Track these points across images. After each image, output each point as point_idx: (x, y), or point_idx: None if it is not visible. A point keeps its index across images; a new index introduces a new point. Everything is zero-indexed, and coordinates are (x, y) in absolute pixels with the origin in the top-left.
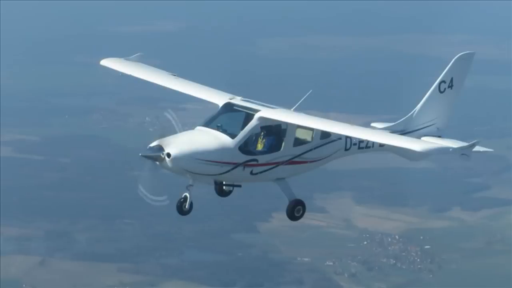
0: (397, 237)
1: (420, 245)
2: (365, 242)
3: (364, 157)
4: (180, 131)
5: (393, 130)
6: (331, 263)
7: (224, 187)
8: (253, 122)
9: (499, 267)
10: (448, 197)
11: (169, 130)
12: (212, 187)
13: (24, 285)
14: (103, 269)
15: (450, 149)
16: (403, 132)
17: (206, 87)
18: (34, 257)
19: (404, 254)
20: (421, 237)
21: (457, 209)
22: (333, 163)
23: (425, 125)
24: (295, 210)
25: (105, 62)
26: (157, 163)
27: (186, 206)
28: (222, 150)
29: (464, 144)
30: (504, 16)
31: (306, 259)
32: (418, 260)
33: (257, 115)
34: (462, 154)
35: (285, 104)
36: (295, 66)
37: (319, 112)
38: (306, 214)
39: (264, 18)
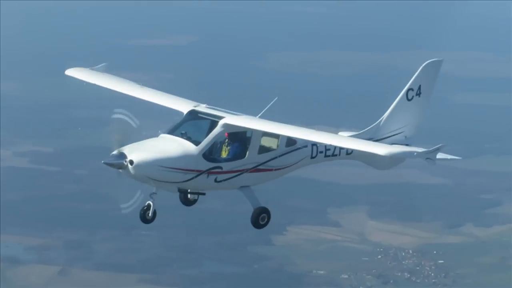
0: (411, 251)
1: (434, 260)
2: (379, 256)
3: (377, 172)
4: (137, 124)
5: (361, 138)
6: (346, 276)
7: (189, 196)
8: (217, 129)
9: None
10: (460, 213)
11: (127, 133)
12: (177, 196)
13: None
14: (123, 279)
15: (415, 153)
16: (371, 140)
17: (172, 95)
18: (54, 266)
19: (418, 268)
20: (435, 252)
21: (470, 225)
22: (347, 179)
23: (392, 133)
24: (260, 218)
25: (70, 72)
26: (120, 170)
27: (150, 214)
28: (186, 157)
29: (430, 149)
30: None
31: (321, 272)
32: (433, 274)
33: (221, 122)
34: (427, 158)
35: (293, 118)
36: (305, 81)
37: (329, 128)
38: (320, 228)
39: (275, 33)
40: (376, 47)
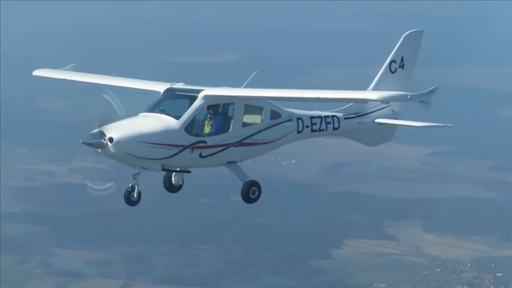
0: (469, 264)
1: (492, 273)
2: (438, 269)
3: (429, 187)
4: (122, 113)
5: (347, 113)
6: None
7: (173, 181)
8: (198, 101)
9: None
10: None
11: (111, 116)
12: (161, 179)
13: None
14: None
15: (408, 96)
16: (357, 115)
17: (147, 80)
18: (116, 280)
19: (477, 281)
20: (493, 265)
21: None
22: (400, 193)
23: (378, 107)
24: (250, 191)
25: (38, 72)
26: (99, 150)
27: (134, 196)
28: (167, 131)
29: (423, 91)
30: None
31: (382, 285)
32: (492, 287)
33: (201, 94)
34: (422, 101)
35: None
36: None
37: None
38: (377, 241)
39: (318, 50)
40: (420, 63)
